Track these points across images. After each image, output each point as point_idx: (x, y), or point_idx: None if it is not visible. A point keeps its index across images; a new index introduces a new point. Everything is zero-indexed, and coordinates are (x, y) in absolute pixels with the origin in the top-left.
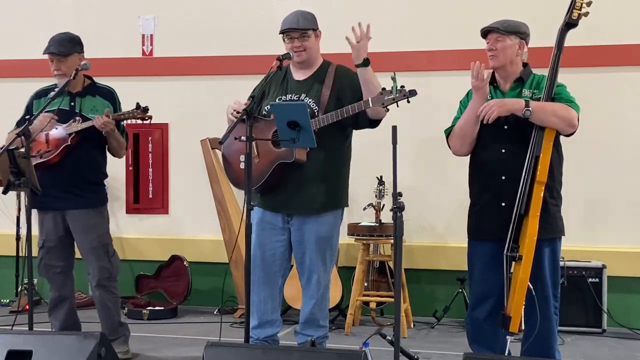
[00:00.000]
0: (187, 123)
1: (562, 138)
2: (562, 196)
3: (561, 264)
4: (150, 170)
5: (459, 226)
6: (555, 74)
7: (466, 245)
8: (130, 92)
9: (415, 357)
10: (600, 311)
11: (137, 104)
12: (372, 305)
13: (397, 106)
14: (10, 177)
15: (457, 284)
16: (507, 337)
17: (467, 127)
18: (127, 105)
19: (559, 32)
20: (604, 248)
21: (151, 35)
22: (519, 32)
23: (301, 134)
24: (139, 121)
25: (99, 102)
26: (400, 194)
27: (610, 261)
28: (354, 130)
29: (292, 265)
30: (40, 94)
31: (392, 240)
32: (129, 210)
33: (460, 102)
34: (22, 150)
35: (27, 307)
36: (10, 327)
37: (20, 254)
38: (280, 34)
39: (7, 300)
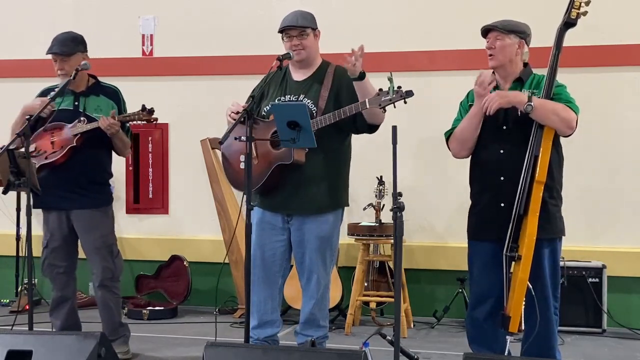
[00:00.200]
0: (187, 123)
1: (561, 138)
2: (562, 196)
3: (561, 264)
4: (150, 170)
5: (459, 226)
6: (554, 73)
7: (466, 245)
8: (130, 92)
9: (415, 357)
10: (600, 311)
11: (143, 105)
12: (372, 305)
13: (394, 107)
14: (10, 177)
15: (457, 284)
16: (507, 337)
17: (468, 132)
18: (129, 106)
19: (558, 32)
20: (604, 248)
21: (151, 35)
22: (519, 31)
23: (301, 134)
24: (145, 123)
25: (103, 102)
26: (400, 194)
27: (610, 261)
28: None
29: (292, 265)
30: (45, 93)
31: (392, 240)
32: (129, 210)
33: (461, 103)
34: (22, 150)
35: (27, 307)
36: (10, 327)
37: (20, 254)
38: (279, 32)
39: (7, 300)
